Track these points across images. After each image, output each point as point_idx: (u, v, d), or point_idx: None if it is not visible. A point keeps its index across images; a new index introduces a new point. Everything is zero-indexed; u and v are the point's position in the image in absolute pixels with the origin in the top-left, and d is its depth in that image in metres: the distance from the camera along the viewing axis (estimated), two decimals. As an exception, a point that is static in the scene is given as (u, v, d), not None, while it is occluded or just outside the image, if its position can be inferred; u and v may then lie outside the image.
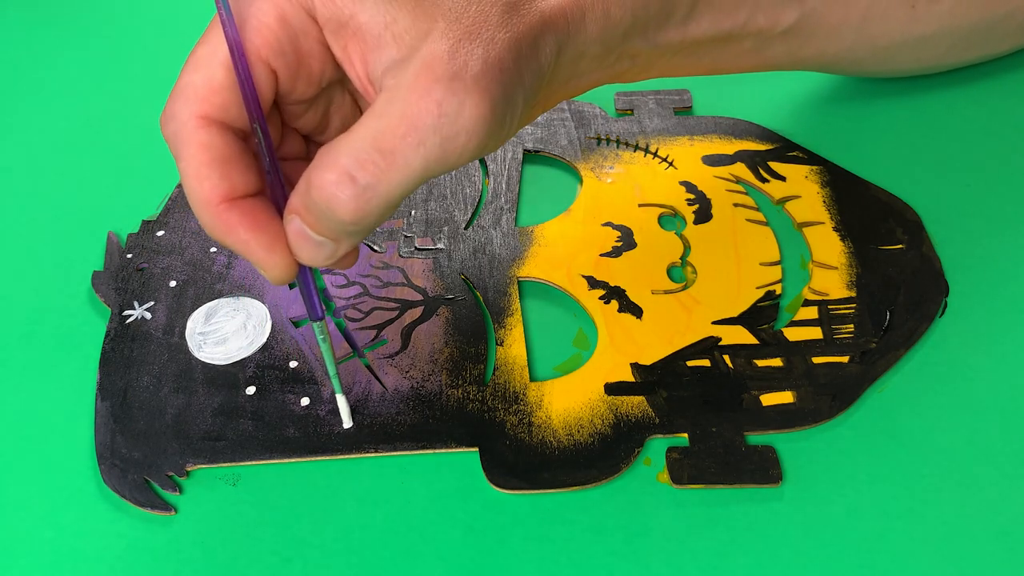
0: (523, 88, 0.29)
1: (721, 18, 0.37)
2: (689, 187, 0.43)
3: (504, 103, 0.28)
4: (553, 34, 0.31)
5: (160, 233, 0.42)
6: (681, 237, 0.41)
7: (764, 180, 0.43)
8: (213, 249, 0.41)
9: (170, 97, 0.29)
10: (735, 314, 0.38)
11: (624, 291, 0.39)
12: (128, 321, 0.38)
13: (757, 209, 0.42)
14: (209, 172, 0.28)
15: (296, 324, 0.38)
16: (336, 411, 0.35)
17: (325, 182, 0.27)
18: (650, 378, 0.36)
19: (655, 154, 0.45)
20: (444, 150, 0.27)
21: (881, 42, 0.42)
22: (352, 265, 0.32)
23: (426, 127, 0.27)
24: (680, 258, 0.40)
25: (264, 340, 0.37)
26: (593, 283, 0.39)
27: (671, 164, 0.44)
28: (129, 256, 0.41)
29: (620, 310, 0.38)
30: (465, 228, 0.42)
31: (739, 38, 0.38)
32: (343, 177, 0.27)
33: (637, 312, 0.38)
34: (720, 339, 0.37)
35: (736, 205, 0.42)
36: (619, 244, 0.41)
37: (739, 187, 0.43)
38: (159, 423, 0.35)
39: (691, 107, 0.47)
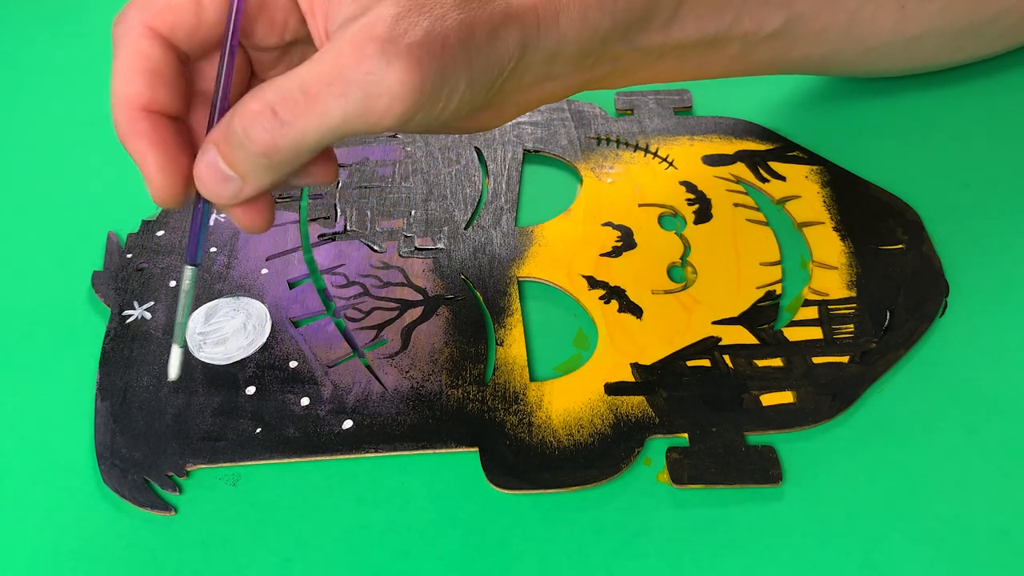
0: (468, 71, 0.29)
1: (705, 21, 0.37)
2: (689, 187, 0.43)
3: (438, 79, 0.28)
4: (518, 28, 0.31)
5: (160, 233, 0.42)
6: (681, 237, 0.41)
7: (764, 180, 0.43)
8: (213, 249, 0.41)
9: (129, 1, 0.30)
10: (735, 314, 0.38)
11: (624, 291, 0.39)
12: (128, 321, 0.38)
13: (757, 209, 0.42)
14: (136, 77, 0.29)
15: (296, 324, 0.38)
16: (336, 411, 0.35)
17: (247, 110, 0.28)
18: (650, 378, 0.36)
19: (655, 154, 0.45)
20: (365, 107, 0.28)
21: (870, 43, 0.42)
22: (262, 228, 0.31)
23: (351, 80, 0.27)
24: (680, 258, 0.40)
25: (264, 340, 0.37)
26: (593, 283, 0.39)
27: (671, 164, 0.44)
28: (129, 256, 0.41)
29: (620, 310, 0.38)
30: (465, 228, 0.42)
31: (724, 42, 0.38)
32: (265, 108, 0.28)
33: (637, 312, 0.38)
34: (720, 339, 0.37)
35: (736, 205, 0.42)
36: (619, 244, 0.41)
37: (739, 187, 0.43)
38: (159, 423, 0.35)
39: (691, 107, 0.47)
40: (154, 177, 0.30)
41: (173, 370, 0.32)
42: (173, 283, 0.40)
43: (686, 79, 0.40)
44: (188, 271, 0.31)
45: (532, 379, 0.36)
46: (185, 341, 0.32)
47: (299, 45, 0.32)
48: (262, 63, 0.32)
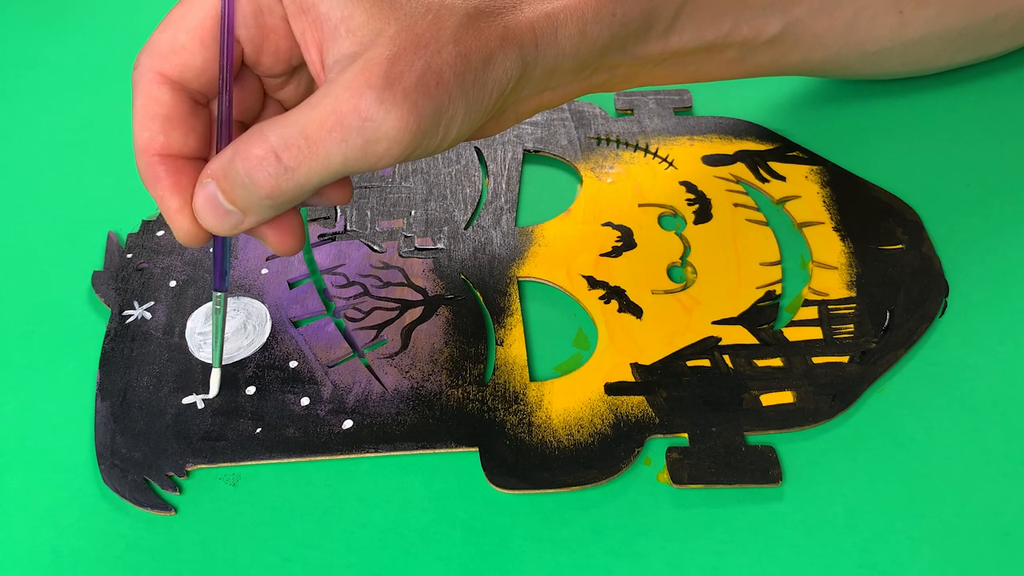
0: (465, 102, 0.30)
1: (703, 29, 0.37)
2: (689, 187, 0.43)
3: (433, 117, 0.29)
4: (516, 49, 0.31)
5: (160, 233, 0.42)
6: (681, 237, 0.41)
7: (764, 180, 0.43)
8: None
9: (142, 48, 0.31)
10: (735, 314, 0.38)
11: (624, 291, 0.39)
12: (128, 321, 0.38)
13: (757, 209, 0.42)
14: (151, 124, 0.30)
15: (296, 324, 0.38)
16: (336, 411, 0.35)
17: (251, 155, 0.28)
18: (650, 378, 0.36)
19: (655, 154, 0.45)
20: (365, 151, 0.28)
21: (869, 48, 0.42)
22: (294, 249, 0.32)
23: (351, 127, 0.28)
24: (680, 258, 0.40)
25: (264, 340, 0.37)
26: (593, 283, 0.39)
27: (671, 164, 0.44)
28: (129, 256, 0.41)
29: (620, 310, 0.38)
30: (465, 228, 0.42)
31: (722, 48, 0.38)
32: (269, 154, 0.28)
33: (637, 312, 0.38)
34: (720, 339, 0.37)
35: (736, 205, 0.42)
36: (619, 244, 0.41)
37: (739, 187, 0.43)
38: (159, 423, 0.35)
39: (691, 107, 0.47)
40: (174, 219, 0.30)
41: (213, 389, 0.35)
42: (173, 283, 0.40)
43: (684, 82, 0.40)
44: (217, 296, 0.33)
45: (532, 379, 0.36)
46: (220, 361, 0.34)
47: (306, 67, 0.32)
48: (272, 85, 0.33)
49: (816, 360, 0.36)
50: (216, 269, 0.32)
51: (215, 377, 0.34)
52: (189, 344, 0.37)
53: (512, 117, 0.35)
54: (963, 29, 0.43)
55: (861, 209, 0.41)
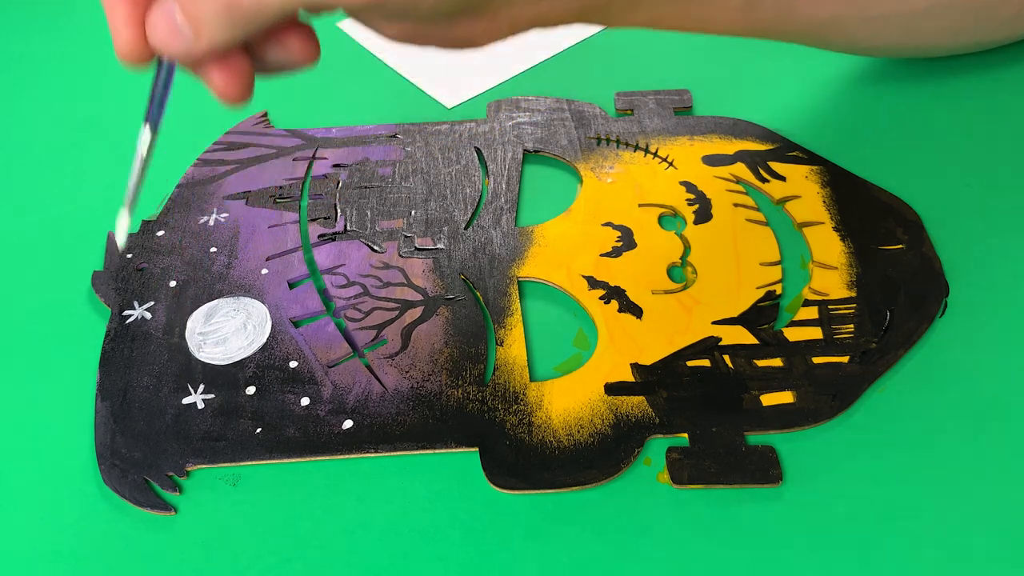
0: None
1: None
2: (689, 187, 0.43)
3: None
4: None
5: (160, 233, 0.42)
6: (681, 237, 0.41)
7: (764, 180, 0.43)
8: (213, 249, 0.41)
9: None
10: (735, 314, 0.38)
11: (624, 291, 0.39)
12: (128, 321, 0.38)
13: (757, 209, 0.42)
14: None
15: (296, 324, 0.38)
16: (336, 411, 0.35)
17: None
18: (650, 378, 0.36)
19: (655, 154, 0.45)
20: None
21: (872, 11, 0.41)
22: (238, 96, 0.30)
23: None
24: (680, 258, 0.40)
25: (264, 340, 0.37)
26: (593, 283, 0.39)
27: (671, 164, 0.44)
28: (129, 256, 0.41)
29: (620, 310, 0.38)
30: (465, 228, 0.42)
31: None
32: None
33: (637, 312, 0.38)
34: (720, 339, 0.37)
35: (736, 205, 0.42)
36: (619, 244, 0.41)
37: (739, 187, 0.43)
38: (159, 423, 0.35)
39: (691, 107, 0.47)
40: (120, 30, 0.29)
41: (120, 239, 0.31)
42: (173, 283, 0.40)
43: (687, 30, 0.39)
44: (145, 134, 0.30)
45: (532, 379, 0.36)
46: (133, 203, 0.31)
47: None
48: None
49: (816, 360, 0.36)
50: (152, 99, 0.30)
51: (122, 220, 0.31)
52: (189, 344, 0.37)
53: (506, 22, 0.32)
54: (967, 6, 0.42)
55: (861, 209, 0.41)
